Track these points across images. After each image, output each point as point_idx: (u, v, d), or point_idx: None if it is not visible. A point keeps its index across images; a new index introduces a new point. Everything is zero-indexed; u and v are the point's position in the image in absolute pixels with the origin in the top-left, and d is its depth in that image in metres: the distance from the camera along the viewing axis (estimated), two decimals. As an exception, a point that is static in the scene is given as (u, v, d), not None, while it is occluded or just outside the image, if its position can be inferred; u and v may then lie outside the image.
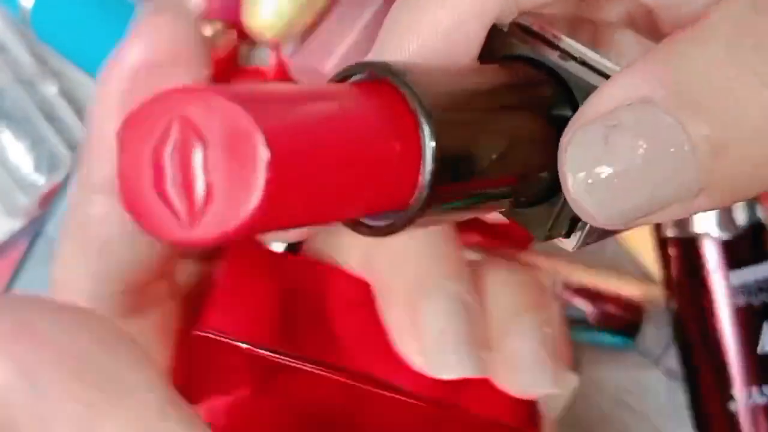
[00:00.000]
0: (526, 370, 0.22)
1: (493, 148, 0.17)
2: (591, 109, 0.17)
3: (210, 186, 0.13)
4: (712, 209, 0.17)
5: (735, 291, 0.42)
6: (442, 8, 0.19)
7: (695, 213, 0.17)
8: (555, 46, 0.19)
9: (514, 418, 0.22)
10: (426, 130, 0.16)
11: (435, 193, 0.16)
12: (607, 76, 0.18)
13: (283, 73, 0.48)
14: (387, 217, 0.16)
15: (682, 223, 0.43)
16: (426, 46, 0.19)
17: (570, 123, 0.17)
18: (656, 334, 0.46)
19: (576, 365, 0.47)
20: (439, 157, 0.16)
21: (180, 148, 0.13)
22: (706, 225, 0.42)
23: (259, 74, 0.48)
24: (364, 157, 0.15)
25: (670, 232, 0.43)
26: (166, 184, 0.13)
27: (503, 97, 0.18)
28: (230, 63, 0.48)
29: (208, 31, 0.46)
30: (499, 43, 0.20)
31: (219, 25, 0.46)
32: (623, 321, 0.46)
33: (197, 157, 0.13)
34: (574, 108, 0.18)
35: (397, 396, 0.21)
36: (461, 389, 0.21)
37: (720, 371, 0.42)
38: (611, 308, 0.46)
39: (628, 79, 0.16)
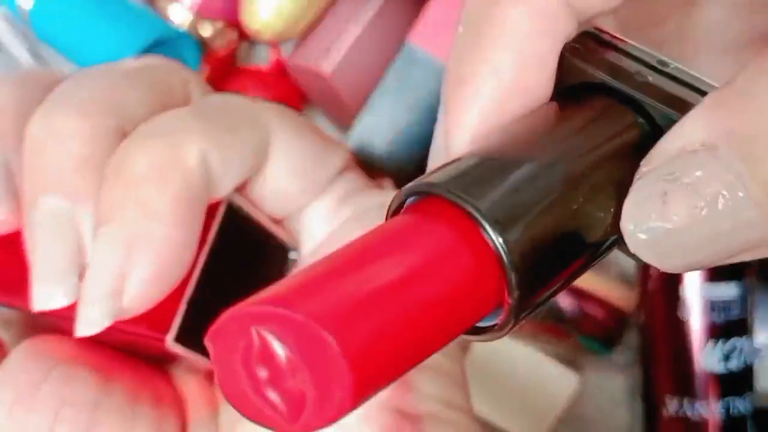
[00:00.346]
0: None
1: (579, 223, 0.16)
2: (654, 157, 0.16)
3: (301, 390, 0.14)
4: None
5: (696, 302, 0.43)
6: (504, 36, 0.17)
7: None
8: (641, 60, 0.18)
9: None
10: (499, 244, 0.15)
11: (525, 294, 0.15)
12: (703, 93, 0.17)
13: (281, 73, 0.48)
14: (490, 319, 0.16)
15: None
16: (494, 100, 0.17)
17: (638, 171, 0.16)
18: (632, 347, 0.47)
19: (576, 366, 0.47)
20: (517, 255, 0.15)
21: (265, 359, 0.14)
22: None
23: (257, 74, 0.48)
24: (440, 298, 0.15)
25: None
26: (263, 389, 0.14)
27: (586, 159, 0.17)
28: (229, 62, 0.48)
29: (208, 30, 0.46)
30: (567, 66, 0.18)
31: (219, 25, 0.46)
32: (604, 327, 0.46)
33: (282, 366, 0.14)
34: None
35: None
36: None
37: (661, 375, 0.44)
38: (595, 311, 0.46)
39: (691, 125, 0.15)
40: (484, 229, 0.15)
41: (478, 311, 0.16)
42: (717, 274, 0.43)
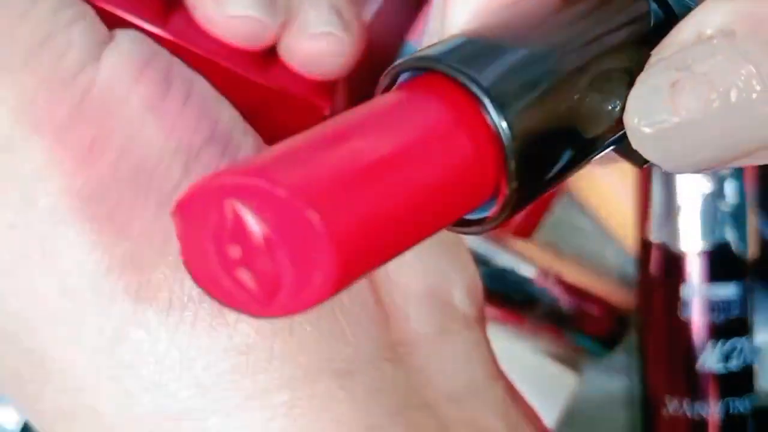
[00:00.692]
0: (314, 37, 0.20)
1: (581, 112, 0.15)
2: (666, 45, 0.14)
3: (277, 271, 0.12)
4: None
5: (695, 302, 0.43)
6: None
7: None
8: None
9: (305, 89, 0.21)
10: (500, 126, 0.14)
11: (524, 177, 0.14)
12: None
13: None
14: (485, 209, 0.15)
15: (664, 230, 0.44)
16: None
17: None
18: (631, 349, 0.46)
19: (575, 366, 0.47)
20: (518, 141, 0.14)
21: (239, 237, 0.12)
22: (686, 235, 0.43)
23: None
24: (432, 180, 0.14)
25: (653, 237, 0.44)
26: (234, 270, 0.13)
27: (594, 44, 0.16)
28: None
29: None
30: None
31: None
32: (604, 328, 0.46)
33: (258, 244, 0.12)
34: None
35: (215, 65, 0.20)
36: (255, 63, 0.21)
37: (660, 376, 0.44)
38: (594, 311, 0.46)
39: (707, 11, 0.14)
40: (485, 108, 0.14)
41: (471, 198, 0.15)
42: (717, 274, 0.43)
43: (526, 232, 0.48)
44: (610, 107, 0.16)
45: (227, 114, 0.19)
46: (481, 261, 0.45)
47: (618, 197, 0.48)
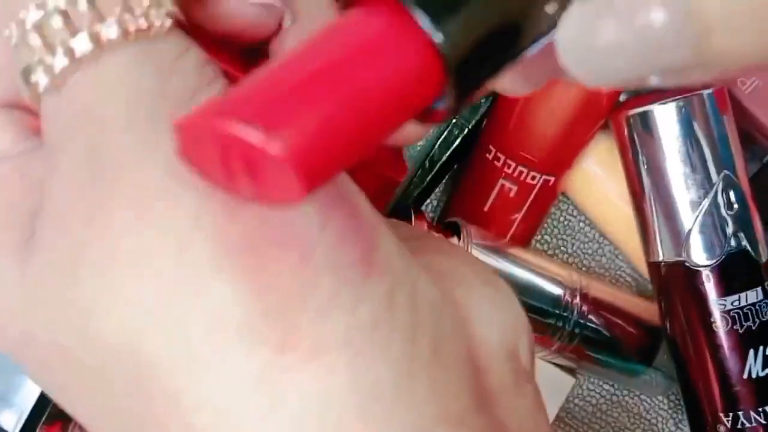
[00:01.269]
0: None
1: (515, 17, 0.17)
2: None
3: (258, 183, 0.16)
4: (708, 79, 0.17)
5: (721, 316, 0.43)
6: None
7: (687, 82, 0.17)
8: None
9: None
10: (427, 26, 0.16)
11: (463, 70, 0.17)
12: None
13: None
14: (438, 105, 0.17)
15: (672, 251, 0.44)
16: None
17: None
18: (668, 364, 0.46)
19: (574, 366, 0.47)
20: (452, 46, 0.16)
21: (226, 149, 0.16)
22: (696, 251, 0.43)
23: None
24: (380, 85, 0.16)
25: (660, 258, 0.44)
26: (225, 170, 0.16)
27: None
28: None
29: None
30: None
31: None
32: (638, 343, 0.46)
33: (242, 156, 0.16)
34: None
35: None
36: None
37: (708, 395, 0.43)
38: (627, 327, 0.45)
39: None
40: (423, 25, 0.16)
41: (419, 99, 0.17)
42: (737, 284, 0.43)
43: (524, 238, 0.48)
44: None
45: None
46: (506, 280, 0.44)
47: (614, 198, 0.48)
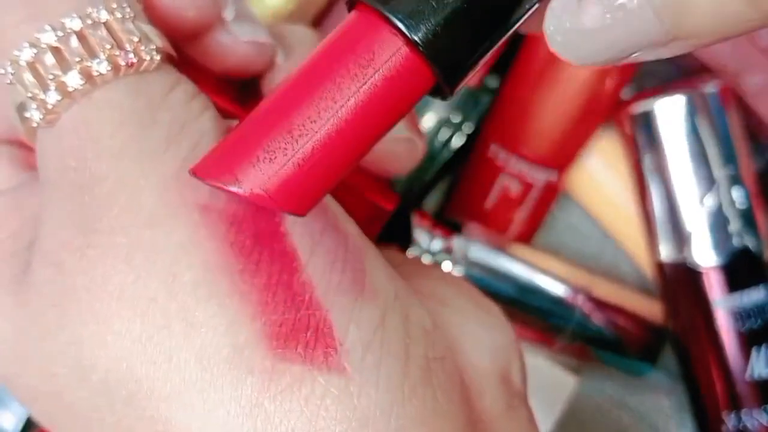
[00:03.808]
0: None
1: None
2: None
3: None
4: (685, 52, 0.18)
5: (726, 315, 0.42)
6: None
7: (668, 56, 0.18)
8: None
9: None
10: (406, 32, 0.17)
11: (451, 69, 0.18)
12: None
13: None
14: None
15: (676, 249, 0.43)
16: None
17: None
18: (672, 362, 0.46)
19: (576, 366, 0.47)
20: (437, 56, 0.17)
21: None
22: (699, 250, 0.43)
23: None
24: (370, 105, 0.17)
25: (664, 257, 0.44)
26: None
27: None
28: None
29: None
30: None
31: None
32: (642, 342, 0.45)
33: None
34: None
35: None
36: None
37: (712, 394, 0.43)
38: (631, 326, 0.45)
39: None
40: (402, 32, 0.17)
41: (409, 98, 0.18)
42: (741, 282, 0.42)
43: (525, 236, 0.48)
44: None
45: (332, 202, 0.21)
46: (508, 279, 0.44)
47: (616, 196, 0.48)
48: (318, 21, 0.46)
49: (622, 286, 0.47)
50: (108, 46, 0.19)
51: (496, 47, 0.19)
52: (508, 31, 0.19)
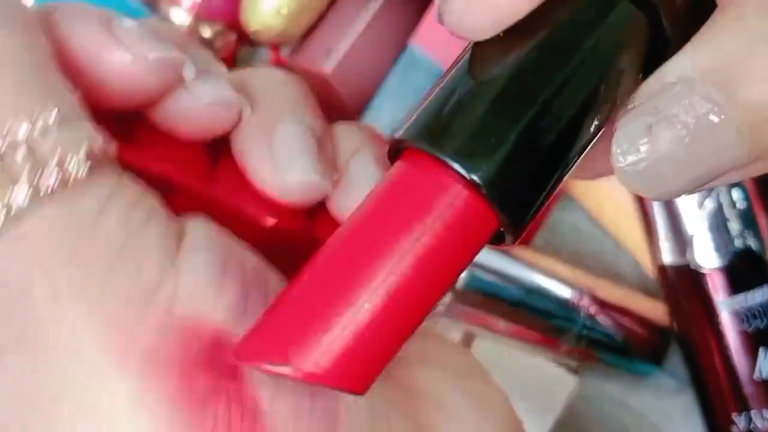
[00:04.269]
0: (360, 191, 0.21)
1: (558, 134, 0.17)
2: (638, 95, 0.17)
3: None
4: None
5: (731, 317, 0.42)
6: None
7: (755, 175, 0.17)
8: None
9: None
10: (469, 177, 0.16)
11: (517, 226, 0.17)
12: None
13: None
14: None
15: (678, 252, 0.43)
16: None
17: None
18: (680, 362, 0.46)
19: (576, 366, 0.46)
20: (502, 198, 0.16)
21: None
22: (701, 253, 0.42)
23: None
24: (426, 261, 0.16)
25: (666, 261, 0.44)
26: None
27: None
28: (229, 64, 0.48)
29: (207, 32, 0.45)
30: None
31: (218, 27, 0.46)
32: (649, 344, 0.45)
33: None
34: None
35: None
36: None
37: (720, 395, 0.43)
38: (636, 327, 0.45)
39: (671, 63, 0.17)
40: (461, 174, 0.16)
41: (473, 245, 0.17)
42: (745, 283, 0.42)
43: (526, 237, 0.48)
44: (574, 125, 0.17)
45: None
46: (512, 281, 0.44)
47: (619, 199, 0.48)
48: (322, 15, 0.46)
49: (625, 288, 0.47)
50: (26, 168, 0.16)
51: (562, 182, 0.17)
52: (573, 162, 0.17)
